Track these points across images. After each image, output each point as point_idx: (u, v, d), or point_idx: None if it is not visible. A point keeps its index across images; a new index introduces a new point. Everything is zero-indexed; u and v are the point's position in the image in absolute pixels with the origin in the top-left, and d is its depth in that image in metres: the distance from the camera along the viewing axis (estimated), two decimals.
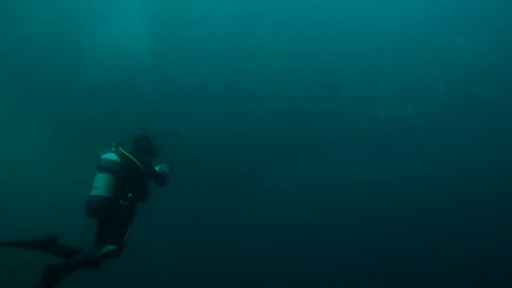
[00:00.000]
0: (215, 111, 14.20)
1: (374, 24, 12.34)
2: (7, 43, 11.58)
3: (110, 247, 3.82)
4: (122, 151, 4.26)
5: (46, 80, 12.65)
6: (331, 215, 18.08)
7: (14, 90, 13.02)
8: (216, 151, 14.96)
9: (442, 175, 17.54)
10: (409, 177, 17.51)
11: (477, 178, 17.21)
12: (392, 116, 14.60)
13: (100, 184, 3.87)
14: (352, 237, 18.19)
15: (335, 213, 17.96)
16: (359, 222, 18.22)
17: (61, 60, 12.06)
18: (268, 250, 17.34)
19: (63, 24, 11.24)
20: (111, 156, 4.09)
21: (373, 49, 12.75)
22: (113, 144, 4.32)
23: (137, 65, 12.70)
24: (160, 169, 4.83)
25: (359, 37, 12.54)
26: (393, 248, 17.75)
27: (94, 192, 3.86)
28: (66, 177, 16.44)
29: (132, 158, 4.21)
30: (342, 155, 16.39)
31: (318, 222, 18.13)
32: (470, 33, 12.10)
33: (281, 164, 16.67)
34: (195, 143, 14.61)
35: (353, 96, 13.93)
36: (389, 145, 16.06)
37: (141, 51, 12.54)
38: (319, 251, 17.56)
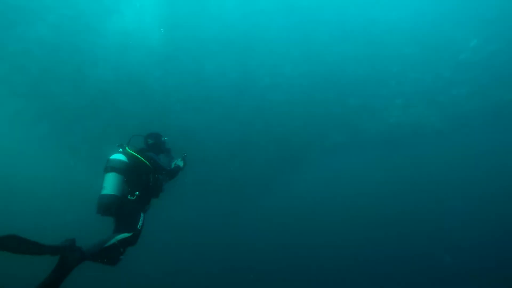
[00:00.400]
0: (223, 113, 14.20)
1: (384, 26, 12.20)
2: (20, 46, 11.74)
3: (125, 235, 3.93)
4: (129, 150, 4.44)
5: (57, 81, 12.81)
6: (339, 217, 17.97)
7: (27, 92, 13.21)
8: (225, 154, 14.92)
9: (455, 177, 17.29)
10: (422, 180, 17.32)
11: (490, 179, 16.95)
12: (403, 119, 14.42)
13: (107, 184, 4.09)
14: (358, 238, 18.08)
15: (344, 214, 17.85)
16: (367, 223, 18.08)
17: (72, 61, 12.21)
18: (276, 250, 17.30)
19: (74, 26, 11.35)
20: (117, 156, 4.30)
21: (383, 51, 12.61)
22: (117, 145, 4.51)
23: (147, 66, 12.79)
24: (175, 163, 5.04)
25: (368, 39, 12.38)
26: (397, 248, 17.65)
27: (102, 192, 4.06)
28: (75, 177, 16.64)
29: (138, 156, 4.38)
30: (352, 158, 16.25)
31: (326, 223, 18.04)
32: (483, 35, 11.92)
33: (290, 167, 16.59)
34: (202, 145, 14.64)
35: (363, 99, 13.77)
36: (400, 148, 15.86)
37: (150, 53, 12.61)
38: (328, 252, 17.48)
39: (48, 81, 12.81)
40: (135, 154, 4.39)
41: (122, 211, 4.09)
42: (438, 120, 14.52)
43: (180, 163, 5.03)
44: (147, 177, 4.39)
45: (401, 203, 17.94)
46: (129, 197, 4.16)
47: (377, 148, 15.74)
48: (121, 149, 4.46)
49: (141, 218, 4.17)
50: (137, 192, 4.20)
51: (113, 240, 3.78)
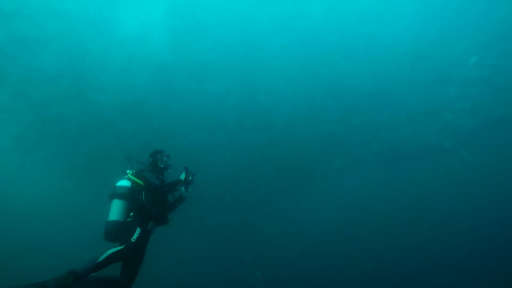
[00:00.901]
0: (226, 134, 14.22)
1: (385, 44, 12.35)
2: (23, 73, 11.92)
3: (117, 248, 3.96)
4: (129, 175, 4.58)
5: (59, 107, 12.87)
6: (343, 238, 17.68)
7: (28, 117, 13.28)
8: (227, 175, 14.72)
9: (461, 195, 17.04)
10: (426, 198, 17.07)
11: (496, 194, 16.68)
12: (408, 136, 14.35)
13: (111, 210, 4.29)
14: (364, 257, 17.76)
15: (349, 233, 17.55)
16: (371, 243, 17.77)
17: (74, 87, 12.33)
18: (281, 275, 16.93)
19: (76, 53, 11.56)
20: (121, 182, 4.51)
21: (385, 70, 12.70)
22: (122, 171, 4.71)
23: (148, 89, 12.88)
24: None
25: (370, 58, 12.47)
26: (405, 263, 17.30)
27: (107, 219, 4.26)
28: (77, 202, 16.51)
29: (134, 178, 4.51)
30: (356, 177, 16.07)
31: (331, 245, 17.72)
32: (483, 51, 12.06)
33: (293, 189, 16.33)
34: (205, 167, 14.54)
35: (367, 117, 13.69)
36: (406, 165, 15.67)
37: (152, 76, 12.77)
38: (333, 273, 17.14)
39: (50, 106, 12.88)
40: (132, 177, 4.52)
41: (123, 234, 4.19)
42: (443, 136, 14.44)
43: (182, 176, 4.92)
44: (141, 196, 4.45)
45: (408, 220, 17.64)
46: (128, 219, 4.30)
47: (382, 166, 15.59)
48: (126, 176, 4.62)
49: (137, 232, 4.15)
50: (131, 213, 4.32)
51: (105, 255, 3.82)
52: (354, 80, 12.96)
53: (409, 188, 16.76)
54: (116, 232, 4.14)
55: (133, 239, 4.07)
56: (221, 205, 15.69)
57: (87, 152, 14.15)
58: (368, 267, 16.93)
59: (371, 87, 13.03)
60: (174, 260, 16.02)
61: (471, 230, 17.58)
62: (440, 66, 12.55)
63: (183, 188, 4.82)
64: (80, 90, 12.44)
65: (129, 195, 4.37)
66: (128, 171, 4.66)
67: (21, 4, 10.35)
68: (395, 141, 14.48)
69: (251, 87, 13.20)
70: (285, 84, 13.19)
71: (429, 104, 13.40)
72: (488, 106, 13.57)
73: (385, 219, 17.36)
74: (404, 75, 12.78)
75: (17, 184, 16.97)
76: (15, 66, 11.65)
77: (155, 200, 4.48)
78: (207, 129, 13.90)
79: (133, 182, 4.50)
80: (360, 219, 17.67)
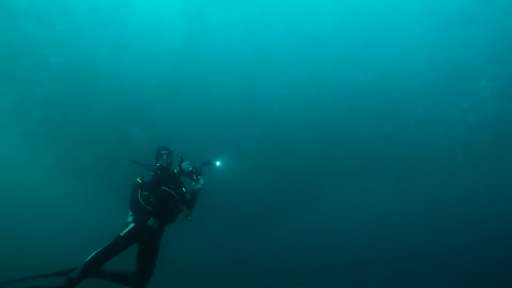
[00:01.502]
0: (232, 140, 14.11)
1: (397, 54, 12.20)
2: (30, 73, 11.91)
3: (105, 245, 4.01)
4: (137, 178, 4.63)
5: (65, 107, 12.86)
6: (352, 248, 17.49)
7: (35, 117, 13.27)
8: (234, 183, 14.58)
9: (472, 206, 16.75)
10: (436, 209, 16.83)
11: (506, 208, 16.33)
12: (418, 146, 14.11)
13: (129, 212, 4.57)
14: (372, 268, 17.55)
15: (357, 245, 17.36)
16: (381, 254, 17.54)
17: (82, 87, 12.35)
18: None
19: (83, 54, 11.58)
20: None
21: (397, 80, 12.50)
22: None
23: (155, 93, 12.86)
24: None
25: (380, 67, 12.34)
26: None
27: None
28: (79, 204, 16.47)
29: (137, 179, 4.59)
30: (366, 187, 15.89)
31: (339, 255, 17.53)
32: (498, 66, 11.93)
33: (300, 199, 16.18)
34: (211, 173, 14.37)
35: (377, 127, 13.55)
36: (415, 176, 15.45)
37: (159, 80, 12.76)
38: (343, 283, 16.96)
39: (57, 106, 12.87)
40: (137, 179, 4.61)
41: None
42: (454, 148, 14.20)
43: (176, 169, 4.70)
44: (137, 194, 4.48)
45: (417, 233, 17.42)
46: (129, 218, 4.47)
47: (392, 177, 15.36)
48: None
49: (129, 227, 4.22)
50: (130, 213, 4.49)
51: (91, 255, 3.91)
52: (365, 89, 12.76)
53: (418, 199, 16.52)
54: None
55: (122, 233, 4.14)
56: (225, 212, 15.57)
57: (93, 152, 14.14)
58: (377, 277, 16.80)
59: (382, 96, 12.82)
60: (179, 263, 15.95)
61: (481, 239, 17.35)
62: (454, 77, 12.38)
63: (193, 182, 4.65)
64: (88, 90, 12.42)
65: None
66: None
67: (31, 3, 10.37)
68: (405, 152, 14.25)
69: (259, 93, 13.08)
70: (294, 91, 13.02)
71: (442, 116, 13.18)
72: (502, 119, 13.31)
73: (393, 229, 17.16)
74: (417, 85, 12.58)
75: (23, 183, 16.99)
76: (24, 65, 11.66)
77: (148, 196, 4.43)
78: (214, 133, 13.82)
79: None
80: (368, 229, 17.48)
